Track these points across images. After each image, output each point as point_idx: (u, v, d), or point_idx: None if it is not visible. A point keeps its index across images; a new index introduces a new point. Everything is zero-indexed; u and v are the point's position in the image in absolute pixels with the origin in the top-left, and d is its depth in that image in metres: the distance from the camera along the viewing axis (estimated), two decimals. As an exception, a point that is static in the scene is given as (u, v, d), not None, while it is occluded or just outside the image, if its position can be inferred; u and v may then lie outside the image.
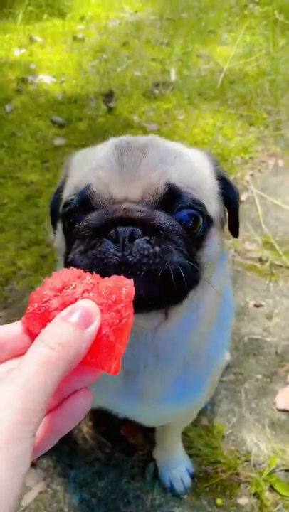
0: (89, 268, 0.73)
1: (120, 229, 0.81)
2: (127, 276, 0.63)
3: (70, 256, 0.84)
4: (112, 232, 0.81)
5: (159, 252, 0.80)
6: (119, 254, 0.79)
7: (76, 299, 0.56)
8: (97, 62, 3.90)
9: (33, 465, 1.68)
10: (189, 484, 1.62)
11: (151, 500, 1.61)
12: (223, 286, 1.13)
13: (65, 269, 0.63)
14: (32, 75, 3.68)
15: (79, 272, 0.61)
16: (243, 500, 1.60)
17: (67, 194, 0.95)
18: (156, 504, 1.60)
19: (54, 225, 1.11)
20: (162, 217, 0.84)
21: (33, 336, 0.55)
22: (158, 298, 0.84)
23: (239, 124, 3.16)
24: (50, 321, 0.54)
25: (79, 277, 0.60)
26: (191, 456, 1.69)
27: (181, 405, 1.17)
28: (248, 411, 1.83)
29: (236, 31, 4.18)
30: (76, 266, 0.79)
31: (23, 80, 3.62)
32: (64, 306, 0.56)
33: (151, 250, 0.80)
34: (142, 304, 0.80)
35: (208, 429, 1.77)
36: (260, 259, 2.35)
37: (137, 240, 0.80)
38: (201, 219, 0.90)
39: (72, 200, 0.89)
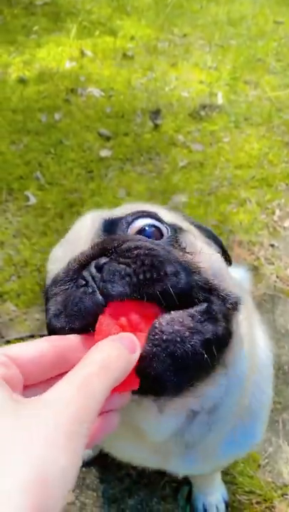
0: (68, 322, 0.67)
1: (84, 272, 0.70)
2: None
3: (47, 319, 0.73)
4: (79, 280, 0.70)
5: (141, 265, 0.66)
6: (94, 288, 0.67)
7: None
8: (145, 79, 3.95)
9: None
10: (223, 512, 1.56)
11: (182, 525, 1.55)
12: (253, 330, 0.97)
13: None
14: (81, 87, 3.75)
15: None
16: (278, 536, 1.53)
17: None
18: (187, 529, 1.54)
19: None
20: (111, 236, 0.75)
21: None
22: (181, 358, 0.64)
23: (285, 151, 3.15)
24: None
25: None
26: (225, 482, 1.63)
27: (235, 454, 1.10)
28: (286, 442, 1.77)
29: (285, 61, 4.21)
30: (53, 327, 0.70)
31: (73, 91, 3.69)
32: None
33: (128, 268, 0.66)
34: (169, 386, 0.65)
35: (243, 457, 1.71)
36: (303, 288, 2.30)
37: (106, 266, 0.68)
38: (158, 222, 0.78)
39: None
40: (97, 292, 0.66)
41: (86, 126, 3.33)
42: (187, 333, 0.63)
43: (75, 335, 0.60)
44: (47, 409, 0.44)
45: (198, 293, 0.69)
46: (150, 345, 0.61)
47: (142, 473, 1.66)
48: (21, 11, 4.85)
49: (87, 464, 1.66)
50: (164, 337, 0.62)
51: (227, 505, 1.59)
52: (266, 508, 1.59)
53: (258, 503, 1.60)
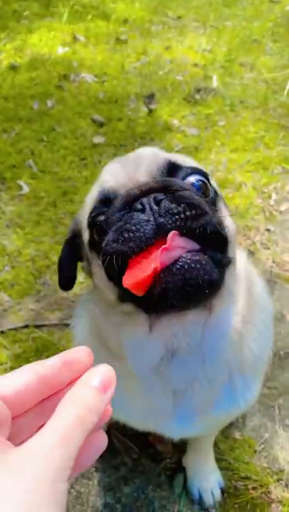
0: (126, 247, 0.81)
1: (143, 199, 0.85)
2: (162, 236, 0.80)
3: (103, 245, 0.86)
4: (136, 204, 0.85)
5: (187, 208, 0.83)
6: (151, 218, 0.82)
7: None
8: (139, 64, 3.89)
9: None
10: (219, 497, 1.55)
11: (177, 512, 1.55)
12: (251, 281, 1.13)
13: None
14: (74, 73, 3.69)
15: None
16: (274, 521, 1.53)
17: (86, 217, 1.00)
18: (183, 516, 1.54)
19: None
20: (174, 180, 0.90)
21: None
22: (202, 272, 0.82)
23: (282, 134, 3.10)
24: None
25: None
26: (221, 469, 1.63)
27: (232, 412, 1.12)
28: (282, 427, 1.76)
29: (281, 41, 4.13)
30: (110, 253, 0.83)
31: (65, 77, 3.63)
32: None
33: (180, 208, 0.83)
34: (188, 293, 0.82)
35: (239, 443, 1.71)
36: (299, 272, 2.28)
37: (163, 202, 0.83)
38: (208, 182, 0.96)
39: (94, 207, 0.95)
40: (154, 223, 0.81)
41: (79, 112, 3.28)
42: (201, 271, 0.81)
43: (56, 359, 0.58)
44: (32, 458, 0.47)
45: (216, 242, 0.88)
46: (173, 267, 0.80)
47: (138, 461, 1.66)
48: (12, -4, 4.75)
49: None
50: (186, 266, 0.80)
51: (223, 491, 1.58)
52: (262, 493, 1.58)
53: (253, 488, 1.59)
